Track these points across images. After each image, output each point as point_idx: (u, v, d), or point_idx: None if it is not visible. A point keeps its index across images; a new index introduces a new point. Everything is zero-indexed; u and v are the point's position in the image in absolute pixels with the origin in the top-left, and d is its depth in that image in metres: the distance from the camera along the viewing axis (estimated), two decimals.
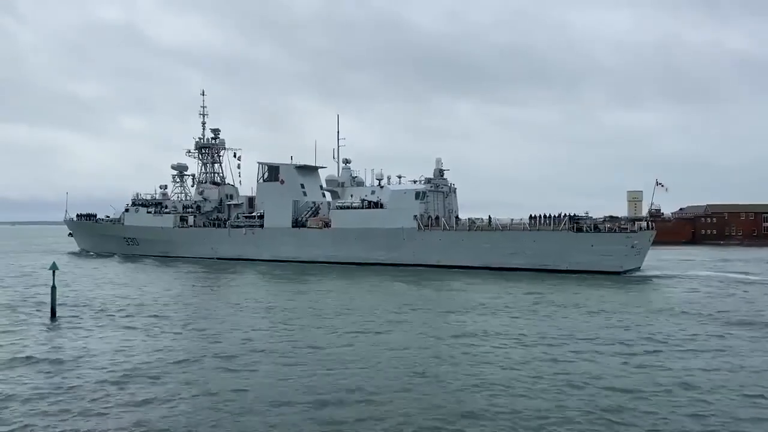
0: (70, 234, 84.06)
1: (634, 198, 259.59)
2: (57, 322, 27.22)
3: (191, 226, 71.86)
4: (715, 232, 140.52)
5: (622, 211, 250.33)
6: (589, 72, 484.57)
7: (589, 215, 56.38)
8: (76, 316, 28.60)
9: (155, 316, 29.02)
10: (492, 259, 54.85)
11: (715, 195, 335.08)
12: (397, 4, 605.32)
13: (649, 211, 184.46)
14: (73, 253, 77.65)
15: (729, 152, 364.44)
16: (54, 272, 29.44)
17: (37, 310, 30.28)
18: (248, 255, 66.33)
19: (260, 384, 16.65)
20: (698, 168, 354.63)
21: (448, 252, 56.82)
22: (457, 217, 62.84)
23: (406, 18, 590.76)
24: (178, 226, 71.87)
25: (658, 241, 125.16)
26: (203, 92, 77.05)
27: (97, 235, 79.37)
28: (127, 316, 28.82)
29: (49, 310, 28.70)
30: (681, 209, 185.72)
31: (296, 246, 64.33)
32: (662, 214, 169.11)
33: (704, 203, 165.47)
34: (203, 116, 76.24)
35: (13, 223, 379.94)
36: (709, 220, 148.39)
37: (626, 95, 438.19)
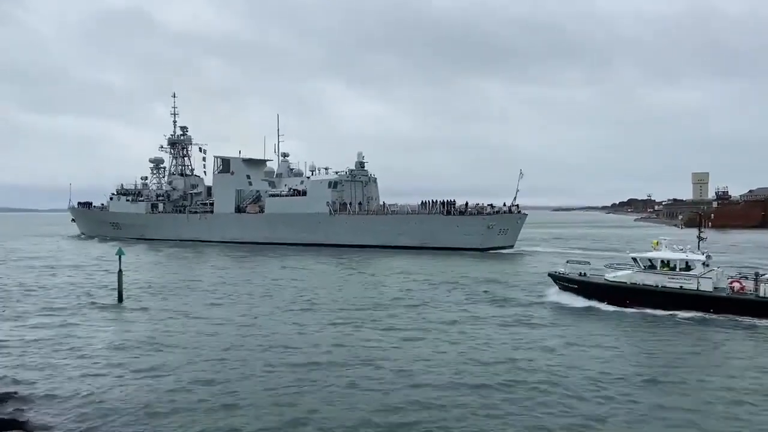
0: (72, 220, 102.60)
1: (700, 180, 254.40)
2: (124, 306, 28.63)
3: (160, 212, 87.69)
4: None
5: (687, 193, 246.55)
6: (619, 46, 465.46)
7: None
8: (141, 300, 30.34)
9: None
10: (386, 238, 65.91)
11: None
12: None
13: (716, 193, 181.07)
14: (71, 237, 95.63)
15: None
16: (120, 257, 29.90)
17: (106, 294, 32.07)
18: (202, 237, 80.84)
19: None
20: (760, 147, 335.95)
21: (353, 233, 68.48)
22: (361, 202, 72.99)
23: None
24: (149, 212, 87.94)
25: (725, 226, 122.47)
26: (174, 94, 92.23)
27: (91, 220, 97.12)
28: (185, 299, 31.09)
29: (117, 293, 29.94)
30: (750, 191, 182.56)
31: (239, 229, 78.22)
32: (729, 196, 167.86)
33: None
34: (174, 115, 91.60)
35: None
36: None
37: (664, 71, 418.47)
